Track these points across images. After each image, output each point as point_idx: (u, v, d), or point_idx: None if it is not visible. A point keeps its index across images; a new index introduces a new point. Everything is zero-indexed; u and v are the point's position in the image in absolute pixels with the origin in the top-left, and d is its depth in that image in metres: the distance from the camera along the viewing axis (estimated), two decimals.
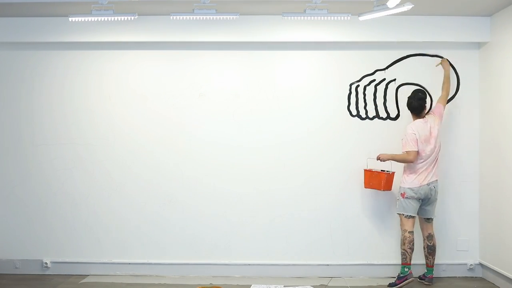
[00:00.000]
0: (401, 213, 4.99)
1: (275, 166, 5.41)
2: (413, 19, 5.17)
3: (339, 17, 4.58)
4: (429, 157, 4.94)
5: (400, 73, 5.38)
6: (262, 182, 5.41)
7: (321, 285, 5.16)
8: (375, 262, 5.34)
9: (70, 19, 4.64)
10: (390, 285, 5.00)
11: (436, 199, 5.04)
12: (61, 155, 5.46)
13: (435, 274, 5.26)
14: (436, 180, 5.01)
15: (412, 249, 4.94)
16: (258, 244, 5.42)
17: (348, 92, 5.39)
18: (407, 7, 4.35)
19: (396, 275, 5.02)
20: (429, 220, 5.08)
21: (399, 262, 5.02)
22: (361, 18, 4.58)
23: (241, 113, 5.42)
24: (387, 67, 5.39)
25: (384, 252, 5.33)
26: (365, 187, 5.24)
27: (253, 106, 5.42)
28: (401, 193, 4.98)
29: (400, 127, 5.28)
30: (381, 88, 5.39)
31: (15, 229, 5.49)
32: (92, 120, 5.46)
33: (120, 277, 5.38)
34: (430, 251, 5.06)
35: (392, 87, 5.39)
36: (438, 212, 5.34)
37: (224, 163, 5.42)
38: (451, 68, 5.30)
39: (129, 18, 4.61)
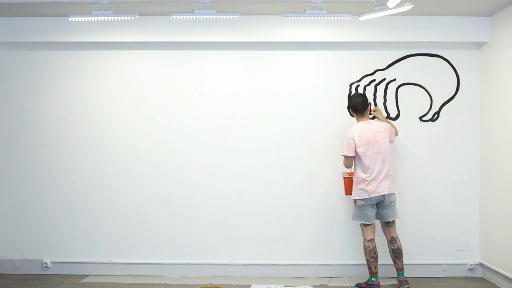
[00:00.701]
0: (356, 221, 4.89)
1: (275, 166, 5.41)
2: (413, 19, 5.17)
3: (339, 17, 4.58)
4: (374, 163, 4.74)
5: (400, 73, 5.38)
6: (262, 182, 5.41)
7: (321, 285, 5.16)
8: None
9: (70, 19, 4.64)
10: (357, 285, 4.99)
11: (392, 202, 4.83)
12: (60, 155, 5.46)
13: (435, 274, 5.28)
14: (393, 193, 4.81)
15: (375, 258, 4.82)
16: (258, 244, 5.42)
17: (348, 92, 5.39)
18: (407, 7, 4.35)
19: (395, 275, 5.01)
20: (388, 224, 4.90)
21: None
22: (361, 18, 4.58)
23: (241, 113, 5.42)
24: (387, 67, 5.39)
25: (384, 252, 5.32)
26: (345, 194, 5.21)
27: (253, 106, 5.42)
28: (354, 201, 4.86)
29: (400, 127, 5.28)
30: (381, 88, 5.39)
31: (15, 229, 5.49)
32: (91, 121, 5.46)
33: (120, 277, 5.38)
34: (396, 254, 4.89)
35: (392, 87, 5.39)
36: (438, 212, 5.35)
37: (223, 163, 5.42)
38: (451, 68, 5.33)
39: (129, 18, 4.60)
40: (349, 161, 4.85)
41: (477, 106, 5.36)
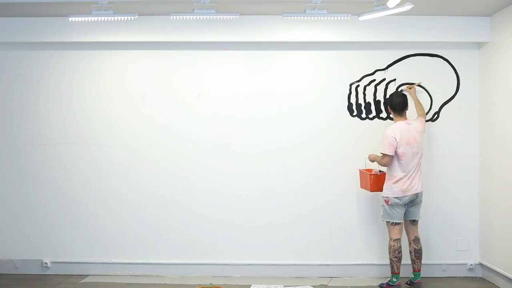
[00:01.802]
0: (386, 220, 4.89)
1: (275, 166, 5.40)
2: (413, 19, 5.17)
3: (339, 17, 4.58)
4: (410, 163, 4.78)
5: (400, 73, 5.37)
6: (262, 182, 5.41)
7: (321, 285, 5.16)
8: (375, 262, 5.34)
9: (70, 19, 4.64)
10: (380, 285, 4.99)
11: (421, 201, 4.91)
12: (59, 155, 5.45)
13: (435, 274, 5.28)
14: (422, 191, 4.88)
15: (398, 258, 4.83)
16: (258, 244, 5.42)
17: (348, 92, 5.39)
18: (407, 7, 4.34)
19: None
20: (414, 222, 4.93)
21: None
22: (361, 18, 4.58)
23: (241, 113, 5.42)
24: (387, 67, 5.39)
25: (384, 252, 5.31)
26: (360, 187, 5.22)
27: (253, 106, 5.41)
28: (385, 200, 4.85)
29: None
30: (381, 88, 5.39)
31: (15, 229, 5.49)
32: (91, 121, 5.45)
33: (120, 277, 5.38)
34: (418, 255, 4.91)
35: (392, 87, 5.39)
36: (438, 212, 5.35)
37: (223, 163, 5.42)
38: (451, 68, 5.34)
39: (129, 18, 4.60)
40: (388, 160, 4.80)
41: (477, 106, 5.36)
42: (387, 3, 4.28)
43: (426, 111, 5.29)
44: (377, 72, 5.39)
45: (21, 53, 5.46)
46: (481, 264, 5.34)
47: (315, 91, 5.40)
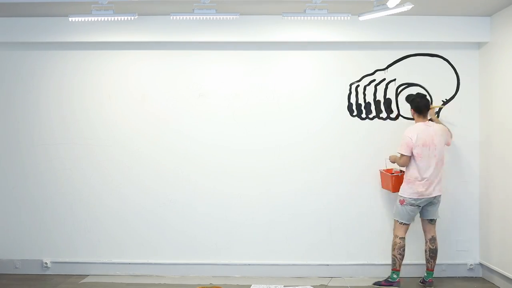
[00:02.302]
0: (396, 219, 4.92)
1: (275, 166, 5.41)
2: (413, 19, 5.17)
3: (339, 17, 4.58)
4: (428, 166, 4.77)
5: (400, 73, 5.38)
6: (262, 182, 5.41)
7: (321, 285, 5.16)
8: (375, 262, 5.34)
9: (70, 19, 4.64)
10: (375, 283, 5.00)
11: (439, 201, 4.92)
12: (60, 155, 5.46)
13: (435, 274, 5.25)
14: (440, 195, 4.88)
15: (402, 255, 4.86)
16: (258, 244, 5.42)
17: (348, 92, 5.39)
18: (407, 7, 4.35)
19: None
20: (432, 221, 4.95)
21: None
22: (361, 18, 4.58)
23: (241, 113, 5.42)
24: (387, 67, 5.39)
25: (384, 252, 5.31)
26: (382, 188, 5.24)
27: (253, 107, 5.41)
28: (400, 200, 4.87)
29: (401, 127, 5.28)
30: (381, 88, 5.39)
31: (15, 229, 5.49)
32: (91, 121, 5.46)
33: (120, 277, 5.38)
34: (433, 254, 4.95)
35: (392, 87, 5.39)
36: (438, 212, 5.34)
37: (223, 163, 5.42)
38: (451, 68, 5.35)
39: (129, 18, 4.60)
40: (405, 160, 4.83)
41: (477, 106, 5.36)
42: (387, 3, 4.28)
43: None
44: (377, 72, 5.39)
45: (22, 53, 5.46)
46: (481, 264, 5.34)
47: (315, 91, 5.40)
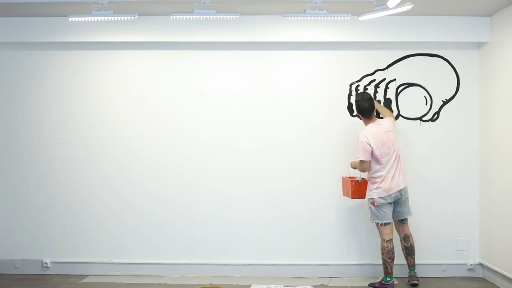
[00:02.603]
0: (375, 222, 4.91)
1: (275, 166, 5.41)
2: (413, 19, 5.17)
3: (339, 17, 4.58)
4: (389, 162, 4.81)
5: (400, 73, 5.38)
6: (262, 182, 5.41)
7: (321, 285, 5.16)
8: (375, 262, 5.33)
9: (70, 19, 4.64)
10: (370, 284, 5.00)
11: (407, 198, 4.91)
12: (60, 155, 5.46)
13: (435, 274, 5.28)
14: (405, 186, 4.89)
15: (392, 258, 4.84)
16: (258, 244, 5.42)
17: (348, 92, 5.39)
18: (407, 7, 4.35)
19: (395, 275, 5.00)
20: (403, 221, 4.96)
21: (398, 262, 5.01)
22: (361, 18, 4.58)
23: (241, 113, 5.42)
24: (387, 67, 5.39)
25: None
26: (343, 195, 5.23)
27: (253, 106, 5.41)
28: (371, 202, 4.87)
29: (400, 127, 5.29)
30: (381, 88, 5.39)
31: (15, 229, 5.49)
32: (91, 120, 5.46)
33: (120, 277, 5.38)
34: (409, 251, 4.96)
35: (392, 87, 5.39)
36: (438, 212, 5.35)
37: (223, 163, 5.42)
38: (451, 68, 5.35)
39: (129, 18, 4.60)
40: (366, 165, 4.85)
41: (477, 106, 5.36)
42: (387, 3, 4.28)
43: (426, 111, 5.30)
44: (377, 72, 5.39)
45: (22, 53, 5.47)
46: (481, 264, 5.34)
47: (315, 91, 5.40)
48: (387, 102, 5.37)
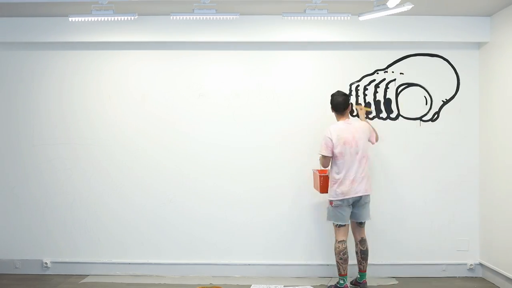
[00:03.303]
0: (331, 221, 4.81)
1: (275, 166, 5.41)
2: (413, 19, 5.17)
3: (339, 17, 4.58)
4: (351, 164, 4.65)
5: (400, 73, 5.38)
6: (262, 181, 5.41)
7: (321, 285, 5.16)
8: (375, 262, 5.33)
9: (70, 19, 4.64)
10: (328, 287, 4.94)
11: (367, 202, 4.78)
12: (60, 155, 5.46)
13: (435, 274, 5.28)
14: (368, 196, 4.74)
15: (344, 260, 4.71)
16: (258, 244, 5.42)
17: (348, 92, 5.39)
18: (407, 7, 4.35)
19: (395, 275, 5.01)
20: (361, 224, 4.85)
21: (398, 262, 5.02)
22: (361, 18, 4.58)
23: (241, 113, 5.42)
24: (387, 67, 5.39)
25: (384, 252, 5.32)
26: (313, 188, 5.16)
27: (253, 106, 5.42)
28: (330, 202, 4.77)
29: (400, 127, 5.29)
30: (381, 88, 5.39)
31: (15, 229, 5.49)
32: (91, 120, 5.46)
33: (120, 277, 5.38)
34: (364, 255, 4.86)
35: (392, 87, 5.39)
36: (438, 212, 5.35)
37: (223, 163, 5.42)
38: (451, 68, 5.35)
39: (129, 18, 4.60)
40: (326, 161, 4.76)
41: (477, 106, 5.36)
42: (387, 3, 4.28)
43: (426, 111, 5.31)
44: (377, 72, 5.39)
45: (22, 53, 5.47)
46: (481, 264, 5.34)
47: (315, 91, 5.40)
48: (387, 102, 5.37)
